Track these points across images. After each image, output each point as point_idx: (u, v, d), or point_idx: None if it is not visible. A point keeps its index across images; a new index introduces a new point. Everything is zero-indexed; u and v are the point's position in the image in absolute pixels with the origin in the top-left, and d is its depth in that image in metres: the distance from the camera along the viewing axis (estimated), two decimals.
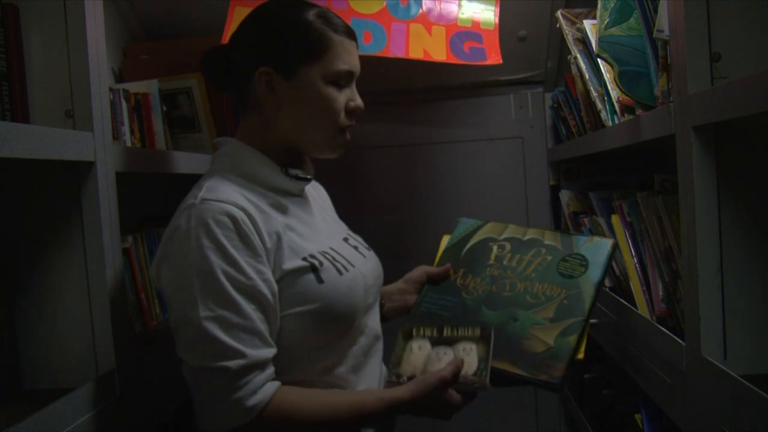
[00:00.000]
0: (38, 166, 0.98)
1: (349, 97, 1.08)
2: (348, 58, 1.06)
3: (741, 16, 0.93)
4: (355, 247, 1.16)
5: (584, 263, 1.15)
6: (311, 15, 1.05)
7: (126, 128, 1.41)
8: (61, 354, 1.05)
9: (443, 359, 1.05)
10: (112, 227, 1.09)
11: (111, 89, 1.32)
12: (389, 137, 2.27)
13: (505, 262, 1.21)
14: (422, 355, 1.07)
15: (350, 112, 1.08)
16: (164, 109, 1.60)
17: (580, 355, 1.06)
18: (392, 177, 2.30)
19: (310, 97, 1.04)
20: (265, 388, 0.94)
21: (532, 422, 2.30)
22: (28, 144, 0.86)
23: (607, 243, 1.17)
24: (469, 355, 1.04)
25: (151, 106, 1.52)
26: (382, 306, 1.26)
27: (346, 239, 1.17)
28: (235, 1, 1.59)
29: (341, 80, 1.06)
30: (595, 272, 1.13)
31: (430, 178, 2.28)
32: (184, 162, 1.44)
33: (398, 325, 1.17)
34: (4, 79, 0.96)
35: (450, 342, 1.07)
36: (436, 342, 1.08)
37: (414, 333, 1.10)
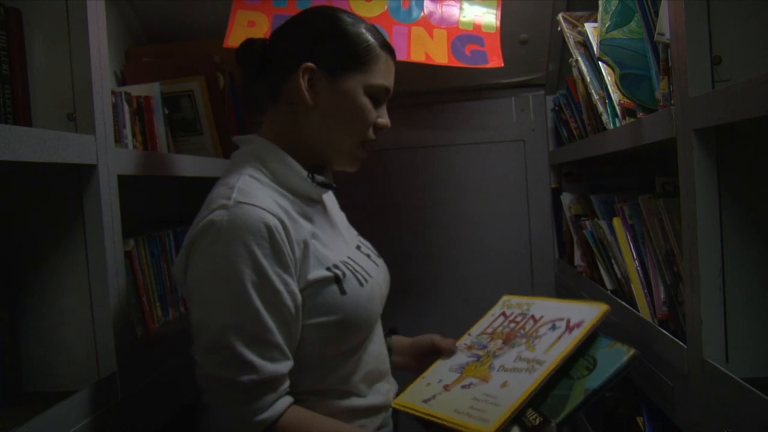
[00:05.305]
0: (40, 168, 0.98)
1: (379, 114, 1.09)
2: (388, 76, 1.08)
3: (742, 19, 0.93)
4: (368, 255, 1.16)
5: (591, 367, 1.01)
6: (364, 27, 1.07)
7: (128, 131, 1.42)
8: (62, 357, 1.05)
9: None
10: (114, 230, 1.09)
11: (113, 92, 1.32)
12: (390, 140, 2.27)
13: None
14: None
15: (377, 128, 1.09)
16: (166, 112, 1.60)
17: None
18: (394, 179, 2.30)
19: (348, 102, 1.05)
20: (275, 406, 0.93)
21: None
22: (30, 147, 0.87)
23: (625, 352, 1.02)
24: None
25: (153, 109, 1.52)
26: (390, 350, 1.24)
27: (358, 247, 1.17)
28: (237, 5, 1.60)
29: (378, 95, 1.07)
30: (596, 378, 0.99)
31: (432, 180, 2.28)
32: (186, 165, 1.45)
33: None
34: (6, 82, 0.97)
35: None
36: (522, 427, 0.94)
37: (525, 414, 0.96)
